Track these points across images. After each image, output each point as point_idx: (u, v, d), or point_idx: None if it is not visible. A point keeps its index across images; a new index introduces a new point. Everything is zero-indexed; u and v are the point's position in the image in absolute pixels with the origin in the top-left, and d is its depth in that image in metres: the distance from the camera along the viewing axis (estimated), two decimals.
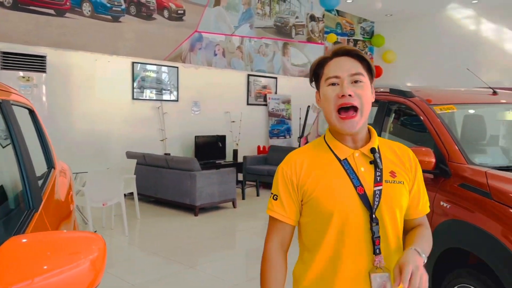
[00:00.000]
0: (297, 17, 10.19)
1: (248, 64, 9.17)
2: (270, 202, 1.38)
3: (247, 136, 9.10)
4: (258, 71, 9.39)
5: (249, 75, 9.17)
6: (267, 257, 1.36)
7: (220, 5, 8.53)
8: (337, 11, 11.18)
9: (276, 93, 9.80)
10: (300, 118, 10.09)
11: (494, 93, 3.25)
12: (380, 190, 1.29)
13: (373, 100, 1.34)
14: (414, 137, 3.30)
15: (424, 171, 2.56)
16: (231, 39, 8.77)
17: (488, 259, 2.12)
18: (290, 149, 8.57)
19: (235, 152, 8.64)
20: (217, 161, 8.15)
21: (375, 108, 3.47)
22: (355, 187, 1.29)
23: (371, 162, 1.32)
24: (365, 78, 1.31)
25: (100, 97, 6.86)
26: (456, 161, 2.52)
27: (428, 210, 1.42)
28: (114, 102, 7.03)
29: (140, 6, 7.36)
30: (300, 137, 9.72)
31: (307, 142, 5.09)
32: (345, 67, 1.30)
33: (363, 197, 1.28)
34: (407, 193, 1.35)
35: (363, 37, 12.07)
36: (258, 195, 7.53)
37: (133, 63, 7.26)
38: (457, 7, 10.44)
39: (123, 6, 7.12)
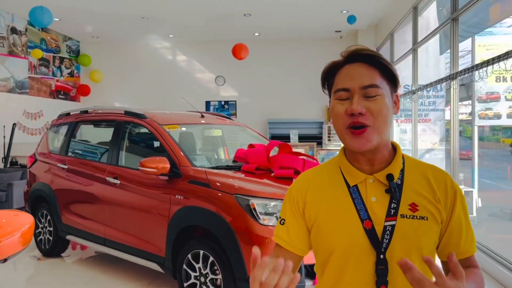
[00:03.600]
0: None
1: None
2: (277, 227, 1.20)
3: None
4: None
5: None
6: None
7: None
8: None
9: None
10: (4, 137, 9.25)
11: (202, 116, 4.41)
12: (393, 226, 1.06)
13: (397, 113, 1.13)
14: (149, 150, 4.09)
15: (161, 175, 3.38)
16: None
17: (211, 228, 3.11)
18: None
19: None
20: None
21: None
22: (362, 220, 1.08)
23: (387, 191, 1.10)
24: (381, 90, 1.08)
25: None
26: (184, 165, 3.45)
27: (474, 251, 1.14)
28: None
29: None
30: (5, 158, 8.93)
31: (35, 161, 5.01)
32: (357, 77, 1.08)
33: (370, 233, 1.06)
34: (433, 231, 1.09)
35: (70, 55, 12.09)
36: None
37: None
38: (157, 38, 12.02)
39: None
